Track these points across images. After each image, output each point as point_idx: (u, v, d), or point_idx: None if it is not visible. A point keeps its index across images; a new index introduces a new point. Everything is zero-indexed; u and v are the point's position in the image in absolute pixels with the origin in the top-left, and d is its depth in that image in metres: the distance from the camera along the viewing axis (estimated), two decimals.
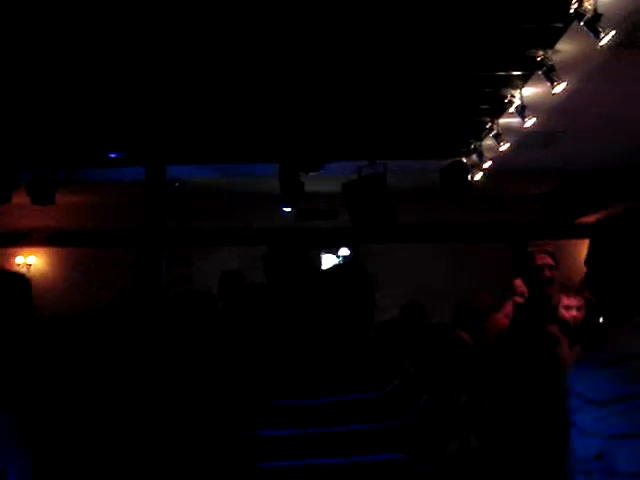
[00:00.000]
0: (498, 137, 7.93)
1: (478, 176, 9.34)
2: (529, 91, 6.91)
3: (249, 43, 6.13)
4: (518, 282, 4.90)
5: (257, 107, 7.55)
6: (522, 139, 8.11)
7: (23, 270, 12.92)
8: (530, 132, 7.57)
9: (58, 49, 6.11)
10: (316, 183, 9.14)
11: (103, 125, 7.87)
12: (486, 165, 8.97)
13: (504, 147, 8.00)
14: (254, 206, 11.20)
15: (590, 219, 11.85)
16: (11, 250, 12.97)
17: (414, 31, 5.97)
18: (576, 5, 5.13)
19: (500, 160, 8.78)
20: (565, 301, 4.85)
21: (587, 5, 5.11)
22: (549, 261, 4.88)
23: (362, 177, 8.68)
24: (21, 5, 5.27)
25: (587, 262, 2.26)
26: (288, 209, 9.25)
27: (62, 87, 6.90)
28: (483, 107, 7.58)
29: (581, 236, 12.38)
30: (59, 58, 6.28)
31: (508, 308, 4.67)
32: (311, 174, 8.84)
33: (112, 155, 8.43)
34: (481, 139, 8.53)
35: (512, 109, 7.13)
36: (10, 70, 6.45)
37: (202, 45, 6.16)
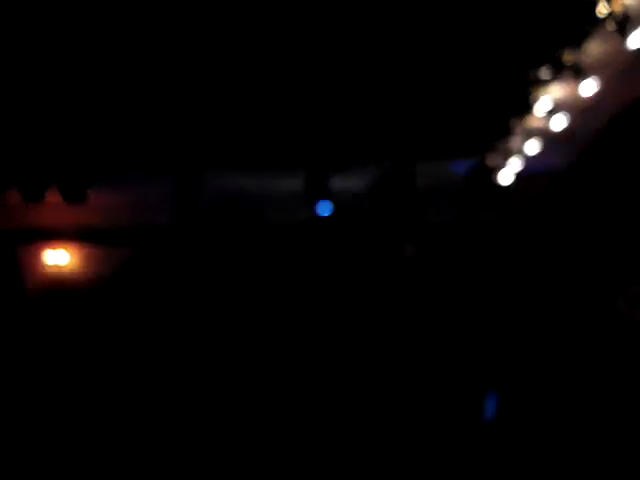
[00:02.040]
0: (525, 138, 7.95)
1: (504, 178, 9.35)
2: (557, 92, 6.93)
3: (277, 44, 6.21)
4: None
5: (285, 107, 7.62)
6: (550, 141, 8.12)
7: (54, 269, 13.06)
8: (558, 133, 7.58)
9: (89, 50, 6.22)
10: (344, 182, 9.17)
11: (132, 132, 7.98)
12: (512, 167, 8.97)
13: (531, 148, 8.01)
14: (282, 205, 11.23)
15: None
16: (42, 247, 13.07)
17: (442, 31, 6.02)
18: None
19: (526, 162, 8.78)
20: None
21: (616, 7, 5.15)
22: None
23: (389, 176, 8.72)
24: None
25: None
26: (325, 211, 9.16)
27: (97, 90, 7.01)
28: (510, 107, 7.61)
29: None
30: (90, 61, 6.40)
31: None
32: (339, 174, 8.88)
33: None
34: (508, 140, 8.55)
35: (539, 110, 7.15)
36: (43, 69, 6.56)
37: (231, 49, 6.26)
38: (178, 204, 8.40)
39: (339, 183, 9.21)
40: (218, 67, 6.71)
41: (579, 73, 6.13)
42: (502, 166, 9.11)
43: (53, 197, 8.94)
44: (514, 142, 8.41)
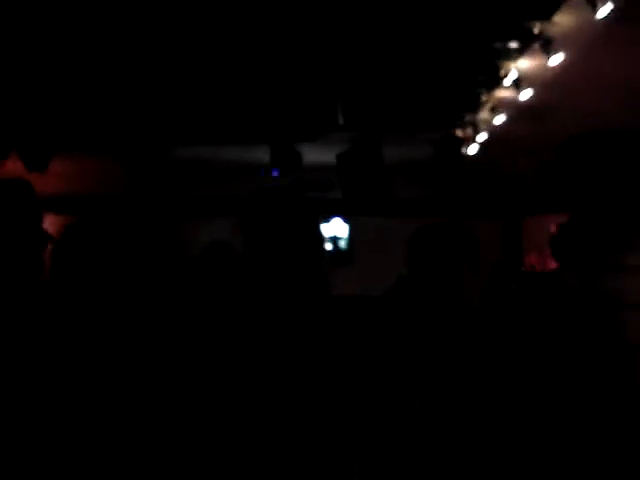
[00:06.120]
0: (493, 110, 7.92)
1: (472, 150, 9.33)
2: (525, 64, 6.89)
3: (244, 10, 6.12)
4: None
5: (253, 75, 7.53)
6: (517, 112, 8.09)
7: None
8: (526, 105, 7.55)
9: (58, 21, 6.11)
10: (312, 154, 9.12)
11: (97, 96, 7.85)
12: (480, 139, 8.96)
13: (499, 120, 7.99)
14: (248, 175, 11.16)
15: None
16: None
17: (411, 1, 5.96)
18: None
19: (494, 134, 8.76)
20: None
21: None
22: None
23: (356, 147, 8.67)
24: None
25: None
26: (276, 174, 9.14)
27: (59, 55, 6.88)
28: (479, 79, 7.56)
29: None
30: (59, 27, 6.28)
31: None
32: (307, 144, 8.83)
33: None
34: (476, 112, 8.52)
35: (508, 82, 7.11)
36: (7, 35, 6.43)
37: (195, 19, 6.17)
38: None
39: (309, 156, 9.17)
40: (182, 39, 6.61)
41: (548, 45, 6.07)
42: (470, 137, 9.10)
43: (14, 165, 8.81)
44: (482, 114, 8.38)
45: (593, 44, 6.26)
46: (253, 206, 2.50)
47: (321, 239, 2.38)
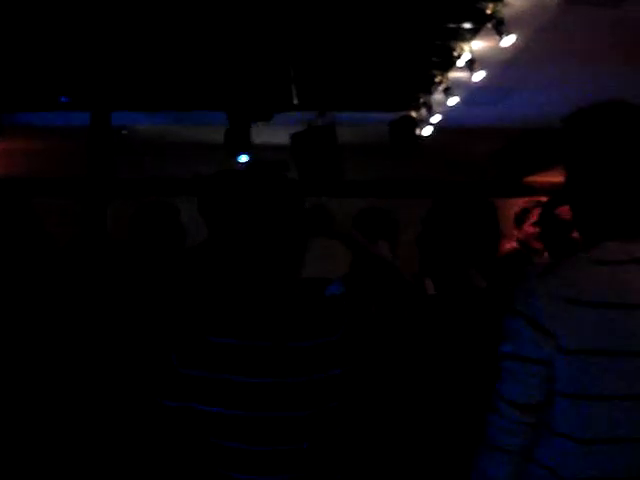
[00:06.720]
0: (447, 91, 7.93)
1: (427, 131, 9.34)
2: (479, 45, 6.90)
3: None
4: None
5: (207, 53, 7.45)
6: (471, 95, 8.11)
7: None
8: (479, 87, 7.57)
9: None
10: (266, 134, 9.06)
11: (47, 67, 7.70)
12: (435, 120, 8.97)
13: (453, 102, 8.01)
14: (205, 156, 11.06)
15: (537, 179, 11.94)
16: None
17: None
18: None
19: (449, 116, 8.78)
20: None
21: None
22: None
23: (311, 128, 8.64)
24: None
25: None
26: (244, 159, 9.06)
27: (5, 28, 6.75)
28: (433, 60, 7.56)
29: (528, 195, 12.47)
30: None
31: None
32: (260, 125, 8.75)
33: (63, 99, 8.23)
34: (430, 93, 8.52)
35: (461, 63, 7.12)
36: None
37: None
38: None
39: (263, 136, 9.10)
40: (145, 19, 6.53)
41: (501, 25, 6.09)
42: (425, 119, 9.11)
43: None
44: (436, 95, 8.39)
45: (546, 24, 6.28)
46: (233, 188, 2.49)
47: (299, 222, 2.33)
